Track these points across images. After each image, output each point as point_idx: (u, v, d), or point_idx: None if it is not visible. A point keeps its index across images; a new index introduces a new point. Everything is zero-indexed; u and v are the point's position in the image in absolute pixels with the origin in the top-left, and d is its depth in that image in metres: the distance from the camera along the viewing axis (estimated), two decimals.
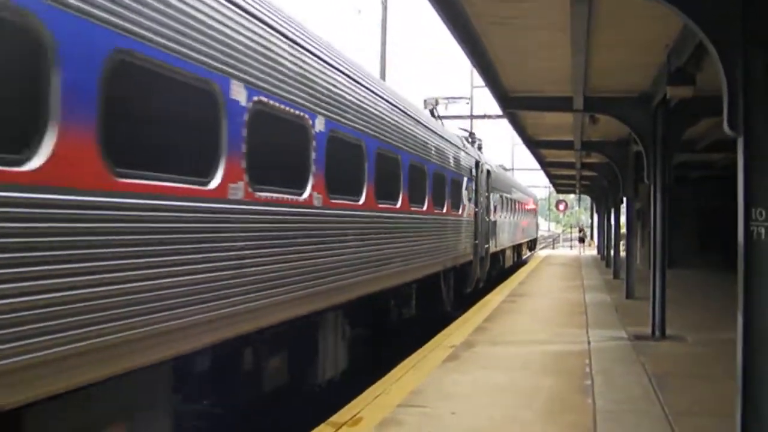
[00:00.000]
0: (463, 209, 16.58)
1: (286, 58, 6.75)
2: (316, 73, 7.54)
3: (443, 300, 15.61)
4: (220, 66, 5.53)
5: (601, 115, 14.64)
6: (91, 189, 4.13)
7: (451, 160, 15.44)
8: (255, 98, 6.10)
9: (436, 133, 14.12)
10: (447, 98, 25.01)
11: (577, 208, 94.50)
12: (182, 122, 5.23)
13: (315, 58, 7.53)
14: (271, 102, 6.43)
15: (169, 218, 4.91)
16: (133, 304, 4.52)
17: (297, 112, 7.01)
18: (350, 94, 8.63)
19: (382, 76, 26.07)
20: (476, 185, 18.65)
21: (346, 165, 8.61)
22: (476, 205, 18.55)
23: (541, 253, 49.55)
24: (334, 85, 8.08)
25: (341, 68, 8.40)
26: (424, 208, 12.62)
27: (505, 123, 27.79)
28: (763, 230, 5.05)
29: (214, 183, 5.51)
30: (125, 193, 4.43)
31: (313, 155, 7.46)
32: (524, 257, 38.37)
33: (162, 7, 4.81)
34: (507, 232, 26.80)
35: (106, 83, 4.25)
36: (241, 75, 5.87)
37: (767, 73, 5.08)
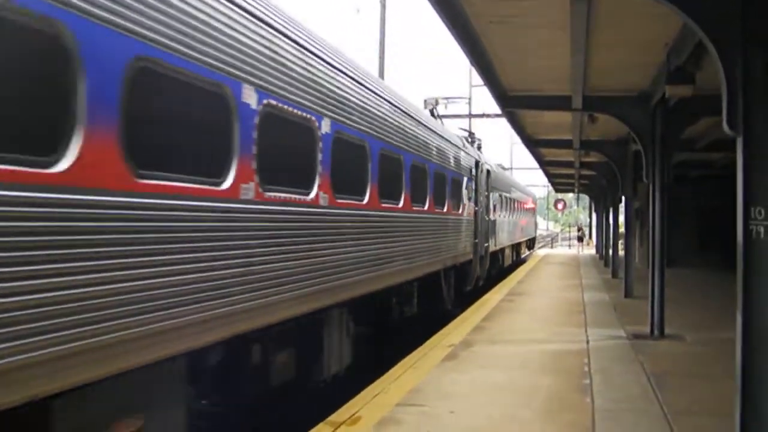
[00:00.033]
0: (464, 208, 16.75)
1: (293, 62, 6.95)
2: (322, 75, 7.73)
3: (444, 298, 15.73)
4: (232, 71, 5.74)
5: (600, 114, 14.63)
6: (114, 189, 4.35)
7: (452, 160, 15.60)
8: (265, 101, 6.31)
9: (437, 133, 14.26)
10: (446, 98, 25.17)
11: (575, 207, 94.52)
12: (197, 125, 5.43)
13: (321, 61, 7.71)
14: (280, 105, 6.63)
15: (185, 217, 5.13)
16: (153, 299, 4.74)
17: (304, 114, 7.21)
18: (355, 96, 8.84)
19: (381, 75, 26.06)
20: (476, 185, 18.79)
21: (351, 165, 8.80)
22: (476, 204, 18.68)
23: (540, 252, 49.59)
24: (339, 88, 8.27)
25: (346, 71, 8.59)
26: (426, 207, 12.79)
27: (503, 122, 27.81)
28: (762, 229, 5.04)
29: (227, 183, 5.72)
30: (145, 193, 4.65)
31: (320, 156, 7.65)
32: (523, 256, 38.43)
33: (178, 14, 5.02)
34: (506, 231, 26.89)
35: (128, 88, 4.46)
36: (252, 79, 6.07)
37: (767, 72, 5.08)
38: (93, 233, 4.19)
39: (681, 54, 9.79)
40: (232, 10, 5.80)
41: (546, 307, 16.06)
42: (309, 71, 7.32)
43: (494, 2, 8.59)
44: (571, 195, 64.84)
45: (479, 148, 22.32)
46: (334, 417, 6.96)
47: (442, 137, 14.75)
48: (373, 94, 9.70)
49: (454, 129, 20.11)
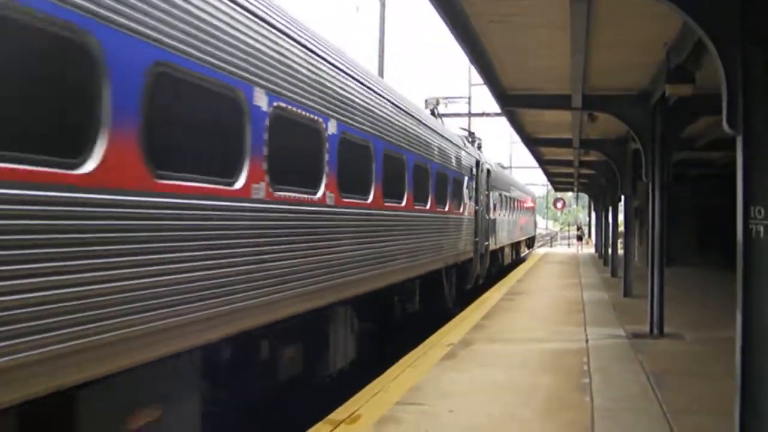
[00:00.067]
0: (464, 207, 16.91)
1: (301, 65, 7.15)
2: (329, 77, 7.93)
3: (445, 296, 15.87)
4: (244, 74, 5.95)
5: (600, 113, 14.63)
6: (135, 190, 4.58)
7: (453, 160, 15.77)
8: (275, 104, 6.52)
9: (438, 133, 14.43)
10: (447, 98, 25.37)
11: (574, 206, 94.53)
12: (211, 127, 5.64)
13: (327, 63, 7.90)
14: (289, 107, 6.85)
15: (200, 216, 5.34)
16: (172, 294, 4.97)
17: (312, 115, 7.42)
18: (359, 98, 9.05)
19: (381, 74, 26.07)
20: (477, 184, 18.95)
21: (356, 165, 9.02)
22: (477, 203, 18.84)
23: (539, 251, 49.60)
24: (344, 89, 8.47)
25: (351, 72, 8.77)
26: (428, 206, 12.97)
27: (503, 121, 27.81)
28: (762, 228, 5.04)
29: (239, 183, 5.93)
30: (163, 193, 4.87)
31: (326, 156, 7.86)
32: (522, 255, 38.45)
33: (193, 20, 5.22)
34: (506, 230, 27.00)
35: (147, 93, 4.68)
36: (263, 82, 6.28)
37: (767, 71, 5.07)
38: (115, 231, 4.40)
39: (681, 53, 9.79)
40: (244, 15, 5.99)
41: (545, 306, 16.06)
42: (316, 73, 7.51)
43: (494, 2, 8.59)
44: (570, 194, 64.80)
45: (479, 147, 22.47)
46: (334, 415, 6.96)
47: (443, 137, 14.91)
48: (376, 95, 9.86)
49: (454, 128, 20.23)
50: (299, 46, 7.11)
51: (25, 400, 3.84)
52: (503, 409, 7.26)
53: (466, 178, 17.27)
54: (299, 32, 7.20)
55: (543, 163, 30.48)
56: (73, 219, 4.06)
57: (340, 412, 7.08)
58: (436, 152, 13.84)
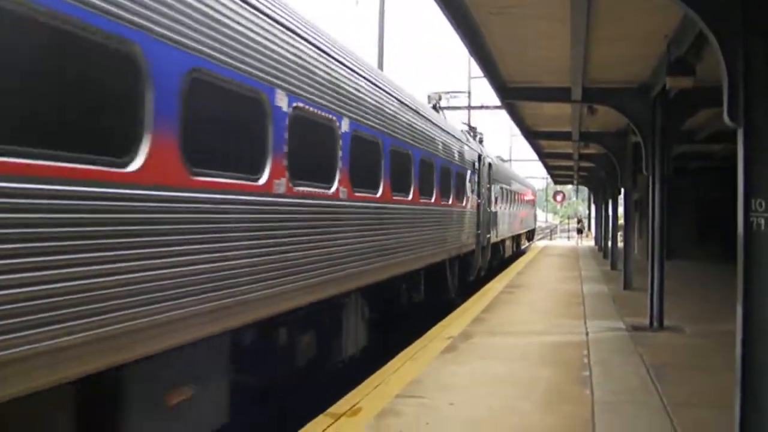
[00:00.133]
0: (467, 201, 17.31)
1: (317, 67, 7.58)
2: (342, 78, 8.34)
3: (448, 287, 16.20)
4: (267, 77, 6.35)
5: (600, 105, 14.59)
6: (174, 186, 4.98)
7: (456, 155, 16.19)
8: (294, 104, 6.93)
9: (442, 129, 14.82)
10: (448, 93, 25.67)
11: (574, 199, 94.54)
12: (239, 127, 6.06)
13: (339, 64, 8.31)
14: (306, 107, 7.27)
15: (230, 210, 5.73)
16: (207, 282, 5.37)
17: (326, 114, 7.85)
18: (370, 96, 9.48)
19: (380, 68, 26.06)
20: (479, 178, 19.29)
21: (366, 161, 9.47)
22: (479, 196, 19.17)
23: (539, 243, 49.61)
24: (356, 89, 8.89)
25: (361, 72, 9.17)
26: (433, 200, 13.40)
27: (503, 114, 27.81)
28: (762, 221, 5.02)
29: (263, 179, 6.33)
30: (198, 189, 5.27)
31: (339, 153, 8.29)
32: (523, 247, 38.54)
33: (222, 28, 5.60)
34: (507, 223, 27.19)
35: (184, 97, 5.08)
36: (283, 84, 6.68)
37: (767, 62, 5.05)
38: (158, 224, 4.81)
39: (681, 45, 9.75)
40: (267, 21, 6.41)
41: (545, 299, 16.08)
42: (330, 74, 7.93)
43: None
44: (570, 187, 64.87)
45: (481, 142, 22.86)
46: (334, 408, 6.97)
47: (447, 133, 15.31)
48: (385, 93, 10.28)
49: (456, 122, 20.43)
50: (315, 49, 7.52)
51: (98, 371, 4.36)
52: (503, 402, 7.27)
53: (468, 172, 17.64)
54: (315, 35, 7.60)
55: (543, 155, 30.45)
56: (123, 213, 4.46)
57: (340, 405, 7.09)
58: (440, 147, 14.23)
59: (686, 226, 27.39)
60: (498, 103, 16.72)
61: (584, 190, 65.43)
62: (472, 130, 22.68)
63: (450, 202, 15.08)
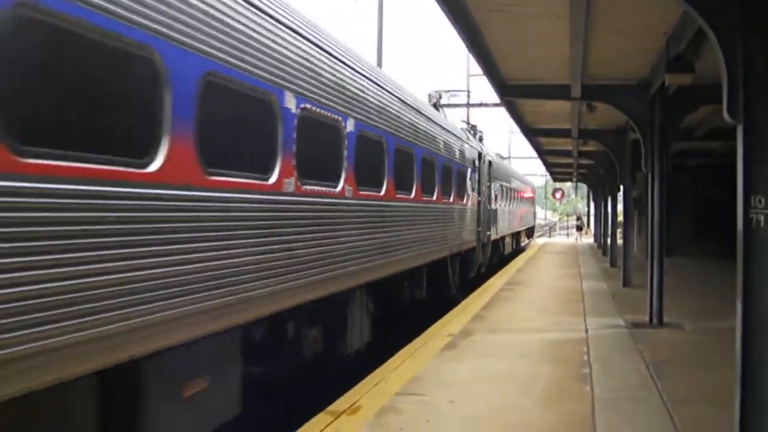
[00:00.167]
0: (468, 198, 17.55)
1: (324, 69, 7.76)
2: (347, 79, 8.52)
3: (450, 284, 16.37)
4: (277, 80, 6.53)
5: (599, 103, 14.58)
6: (191, 185, 5.17)
7: (457, 153, 16.40)
8: (302, 105, 7.10)
9: (443, 128, 15.00)
10: (448, 91, 25.91)
11: (573, 196, 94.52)
12: (250, 128, 6.24)
13: (345, 66, 8.48)
14: (314, 108, 7.45)
15: (242, 208, 5.91)
16: (219, 278, 5.54)
17: (333, 115, 8.05)
18: (373, 97, 9.63)
19: (379, 65, 26.06)
20: (479, 175, 19.48)
21: (371, 160, 9.65)
22: (479, 194, 19.36)
23: (539, 241, 49.64)
24: (361, 89, 9.08)
25: (365, 73, 9.32)
26: (434, 198, 13.62)
27: (502, 111, 27.83)
28: (762, 218, 5.03)
29: (273, 178, 6.51)
30: (213, 188, 5.45)
31: (345, 152, 8.50)
32: (522, 244, 38.59)
33: (234, 33, 5.75)
34: (507, 220, 27.32)
35: (200, 99, 5.26)
36: (292, 86, 6.86)
37: (767, 62, 5.05)
38: (176, 222, 5.00)
39: (681, 42, 9.75)
40: (275, 25, 6.57)
41: (545, 296, 16.09)
42: (335, 76, 8.11)
43: None
44: (569, 184, 64.82)
45: (481, 140, 23.04)
46: (335, 406, 6.98)
47: (448, 131, 15.51)
48: (388, 93, 10.47)
49: (456, 120, 20.54)
50: (321, 51, 7.69)
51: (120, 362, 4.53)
52: (503, 399, 7.28)
53: (469, 170, 17.85)
54: (321, 38, 7.77)
55: (542, 153, 30.46)
56: (143, 211, 4.64)
57: (340, 403, 7.10)
58: (441, 146, 14.41)
59: (685, 223, 27.40)
60: (497, 100, 16.72)
61: (583, 188, 65.45)
62: (473, 128, 22.87)
63: (451, 199, 15.25)
